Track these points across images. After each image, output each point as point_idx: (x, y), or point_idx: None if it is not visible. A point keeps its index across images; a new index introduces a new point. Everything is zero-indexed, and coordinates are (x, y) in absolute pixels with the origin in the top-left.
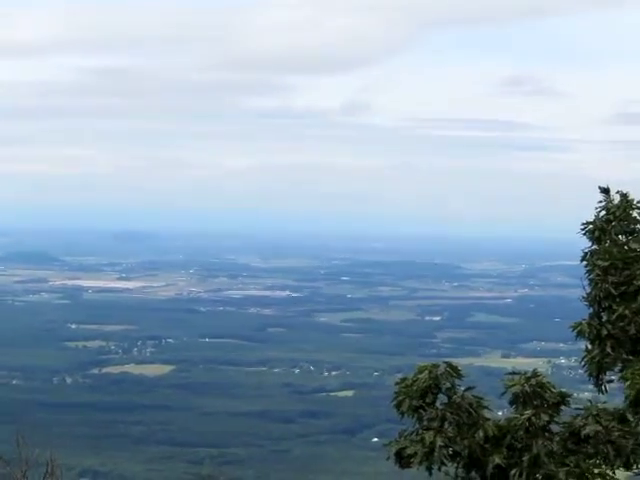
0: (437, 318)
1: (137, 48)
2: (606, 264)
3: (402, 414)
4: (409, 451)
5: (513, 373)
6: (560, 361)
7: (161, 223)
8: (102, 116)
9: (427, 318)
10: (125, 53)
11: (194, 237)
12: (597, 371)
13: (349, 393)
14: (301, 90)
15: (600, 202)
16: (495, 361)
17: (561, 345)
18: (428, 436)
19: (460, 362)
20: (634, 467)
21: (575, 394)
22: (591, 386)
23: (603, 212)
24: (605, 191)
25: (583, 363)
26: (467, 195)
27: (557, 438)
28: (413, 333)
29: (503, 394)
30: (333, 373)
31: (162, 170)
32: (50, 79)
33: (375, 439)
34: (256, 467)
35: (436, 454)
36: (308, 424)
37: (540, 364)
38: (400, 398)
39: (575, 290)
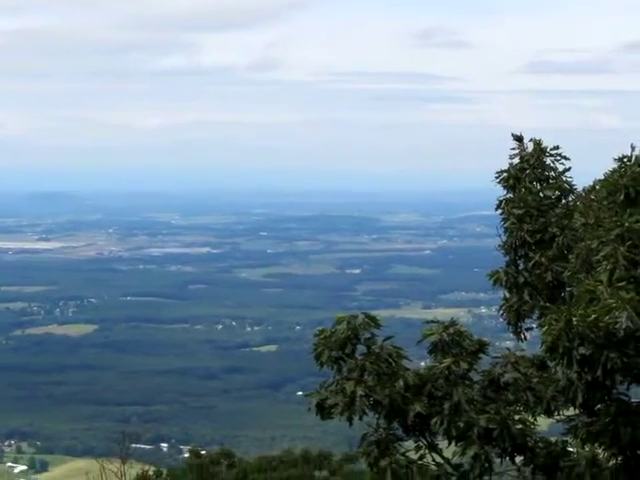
0: (357, 271)
1: (45, 8)
2: (521, 212)
3: (321, 365)
4: (330, 402)
5: (431, 322)
6: (481, 311)
7: (77, 183)
8: (11, 78)
9: (347, 271)
10: (33, 14)
11: (111, 196)
12: (515, 319)
13: (272, 348)
14: (210, 48)
15: (513, 149)
16: (416, 312)
17: (481, 295)
18: (348, 386)
19: (381, 314)
20: (555, 414)
21: (497, 343)
22: (512, 335)
23: (517, 160)
24: (518, 139)
25: (502, 312)
26: (383, 148)
27: (477, 386)
28: (333, 286)
29: (419, 342)
30: (255, 328)
31: (75, 130)
32: None
33: (299, 393)
34: (181, 424)
35: (357, 404)
36: (232, 380)
37: (461, 314)
38: (319, 350)
39: (493, 240)
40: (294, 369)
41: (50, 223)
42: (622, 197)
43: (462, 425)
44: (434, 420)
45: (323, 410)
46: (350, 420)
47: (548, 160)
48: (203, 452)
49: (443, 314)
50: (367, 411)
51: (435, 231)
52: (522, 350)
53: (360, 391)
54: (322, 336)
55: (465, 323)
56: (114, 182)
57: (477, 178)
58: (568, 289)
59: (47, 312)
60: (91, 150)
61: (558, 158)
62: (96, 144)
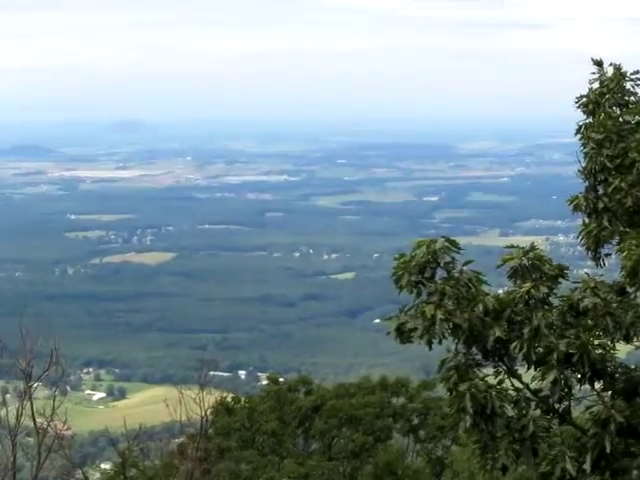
0: (434, 198)
1: None
2: (600, 137)
3: (401, 289)
4: (409, 326)
5: (511, 247)
6: (558, 238)
7: (156, 111)
8: (92, 9)
9: (424, 199)
10: None
11: (189, 125)
12: (595, 244)
13: (349, 275)
14: None
15: (593, 74)
16: (493, 239)
17: (559, 222)
18: (428, 309)
19: (458, 241)
20: (634, 340)
21: (574, 271)
22: (589, 262)
23: (596, 85)
24: (598, 64)
25: (580, 237)
26: (462, 76)
27: (556, 311)
28: (411, 214)
29: (499, 267)
30: (333, 256)
31: (153, 59)
32: None
33: (376, 320)
34: (258, 351)
35: (437, 327)
36: (309, 307)
37: (539, 242)
38: (399, 274)
39: (571, 167)
40: (371, 297)
41: (128, 152)
42: None
43: (541, 350)
44: (513, 345)
45: (402, 334)
46: (430, 344)
47: (628, 85)
48: (281, 379)
49: (520, 242)
50: (447, 335)
51: (513, 158)
52: (600, 276)
53: (440, 315)
54: (402, 260)
55: (542, 250)
56: (191, 110)
57: (556, 105)
58: None
59: (125, 240)
60: (169, 78)
61: (638, 83)
62: (175, 72)
